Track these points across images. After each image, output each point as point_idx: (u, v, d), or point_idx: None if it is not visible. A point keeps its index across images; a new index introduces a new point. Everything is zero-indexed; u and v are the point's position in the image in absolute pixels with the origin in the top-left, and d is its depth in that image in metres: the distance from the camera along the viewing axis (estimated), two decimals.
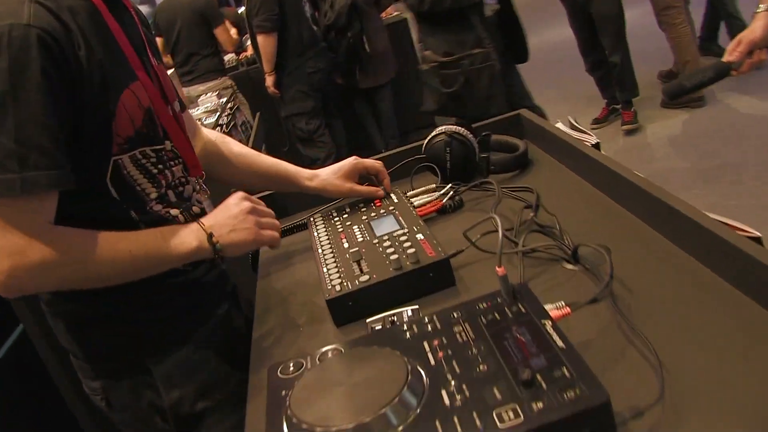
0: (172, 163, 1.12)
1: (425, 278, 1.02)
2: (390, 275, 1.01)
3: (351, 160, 1.34)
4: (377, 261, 1.06)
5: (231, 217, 1.06)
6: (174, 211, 1.11)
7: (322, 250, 1.16)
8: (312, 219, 1.35)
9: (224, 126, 3.01)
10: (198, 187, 1.19)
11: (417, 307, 0.97)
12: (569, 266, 0.99)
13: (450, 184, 1.33)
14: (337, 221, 1.28)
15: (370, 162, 1.35)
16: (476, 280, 1.04)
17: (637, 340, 0.79)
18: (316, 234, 1.26)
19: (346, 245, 1.16)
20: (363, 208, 1.31)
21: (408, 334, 0.76)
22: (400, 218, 1.20)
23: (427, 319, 0.78)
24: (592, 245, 0.98)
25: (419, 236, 1.10)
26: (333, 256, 1.13)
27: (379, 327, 0.94)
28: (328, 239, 1.20)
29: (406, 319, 0.94)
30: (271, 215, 1.14)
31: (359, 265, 1.07)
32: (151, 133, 1.07)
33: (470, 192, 1.35)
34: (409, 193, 1.35)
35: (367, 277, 1.02)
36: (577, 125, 1.44)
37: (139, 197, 1.05)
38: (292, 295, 1.18)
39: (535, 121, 1.50)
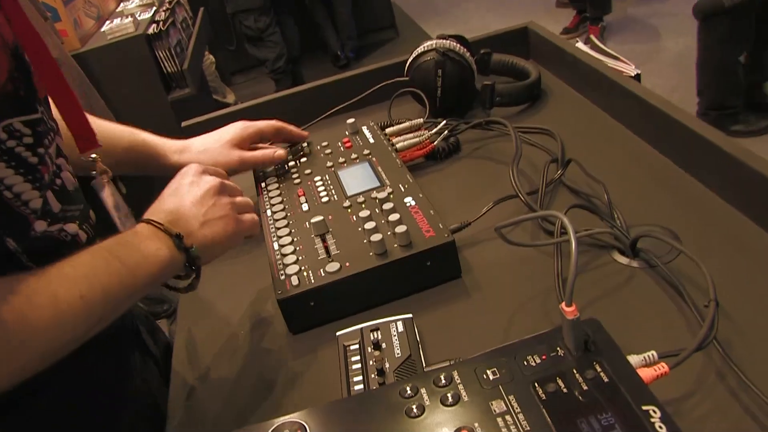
0: (48, 140, 0.63)
1: (420, 269, 0.72)
2: (370, 265, 0.71)
3: (237, 124, 0.96)
4: (351, 239, 0.75)
5: (196, 202, 0.68)
6: (71, 227, 0.64)
7: (273, 215, 0.84)
8: None
9: (162, 23, 2.56)
10: (97, 170, 0.76)
11: (410, 315, 0.67)
12: (622, 259, 0.70)
13: (444, 120, 1.00)
14: (293, 169, 0.95)
15: (264, 123, 0.98)
16: (487, 267, 0.75)
17: (756, 408, 0.52)
18: (263, 186, 0.93)
19: (305, 208, 0.84)
20: (327, 150, 0.98)
21: (414, 407, 0.46)
22: (379, 168, 0.89)
23: (444, 378, 0.48)
24: (656, 233, 0.69)
25: (408, 200, 0.79)
26: (287, 227, 0.81)
27: (355, 347, 0.64)
28: (281, 198, 0.88)
29: (395, 335, 0.65)
30: (238, 190, 0.77)
31: (325, 243, 0.76)
32: (22, 91, 0.60)
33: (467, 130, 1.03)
34: (388, 130, 1.02)
35: (337, 266, 0.71)
36: (602, 46, 1.12)
37: (13, 211, 0.58)
38: (233, 286, 0.85)
39: (549, 38, 1.17)
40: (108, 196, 0.76)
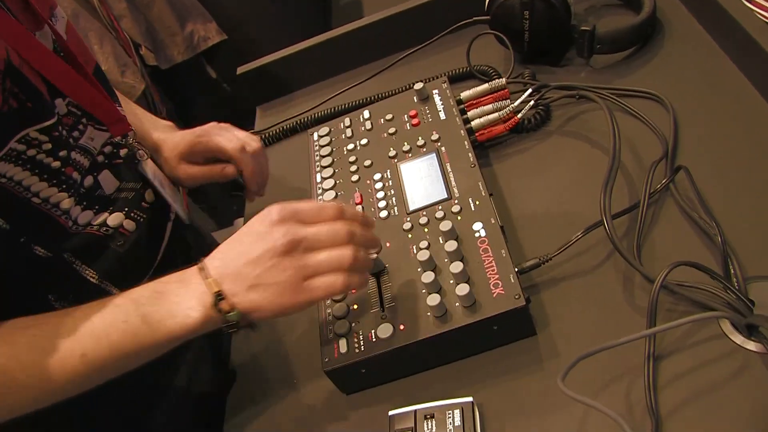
0: (77, 132, 0.63)
1: (486, 332, 0.62)
2: (427, 333, 0.61)
3: (196, 132, 0.82)
4: (407, 287, 0.66)
5: (252, 260, 0.57)
6: (114, 219, 0.66)
7: None
8: (315, 138, 0.90)
9: None
10: (138, 150, 0.72)
11: (470, 400, 0.59)
12: (735, 335, 0.57)
13: (530, 89, 0.83)
14: (351, 156, 0.84)
15: (232, 145, 0.79)
16: (567, 319, 0.64)
17: None
18: (318, 180, 0.83)
19: None
20: (391, 128, 0.85)
21: None
22: (448, 167, 0.76)
23: None
24: None
25: (478, 228, 0.67)
26: None
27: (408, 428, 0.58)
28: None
29: (451, 428, 0.57)
30: (335, 239, 0.59)
31: (380, 288, 0.67)
32: (29, 102, 0.56)
33: (558, 90, 0.86)
34: (464, 95, 0.87)
35: (390, 329, 0.63)
36: None
37: (42, 214, 0.59)
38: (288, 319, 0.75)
39: None
40: (150, 170, 0.74)
